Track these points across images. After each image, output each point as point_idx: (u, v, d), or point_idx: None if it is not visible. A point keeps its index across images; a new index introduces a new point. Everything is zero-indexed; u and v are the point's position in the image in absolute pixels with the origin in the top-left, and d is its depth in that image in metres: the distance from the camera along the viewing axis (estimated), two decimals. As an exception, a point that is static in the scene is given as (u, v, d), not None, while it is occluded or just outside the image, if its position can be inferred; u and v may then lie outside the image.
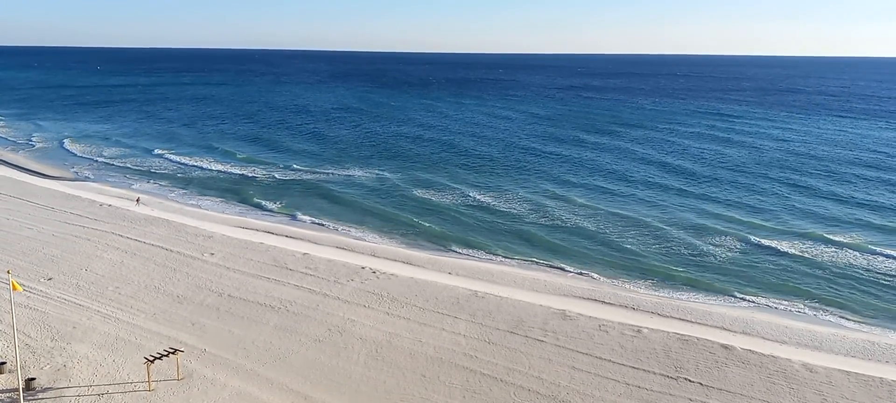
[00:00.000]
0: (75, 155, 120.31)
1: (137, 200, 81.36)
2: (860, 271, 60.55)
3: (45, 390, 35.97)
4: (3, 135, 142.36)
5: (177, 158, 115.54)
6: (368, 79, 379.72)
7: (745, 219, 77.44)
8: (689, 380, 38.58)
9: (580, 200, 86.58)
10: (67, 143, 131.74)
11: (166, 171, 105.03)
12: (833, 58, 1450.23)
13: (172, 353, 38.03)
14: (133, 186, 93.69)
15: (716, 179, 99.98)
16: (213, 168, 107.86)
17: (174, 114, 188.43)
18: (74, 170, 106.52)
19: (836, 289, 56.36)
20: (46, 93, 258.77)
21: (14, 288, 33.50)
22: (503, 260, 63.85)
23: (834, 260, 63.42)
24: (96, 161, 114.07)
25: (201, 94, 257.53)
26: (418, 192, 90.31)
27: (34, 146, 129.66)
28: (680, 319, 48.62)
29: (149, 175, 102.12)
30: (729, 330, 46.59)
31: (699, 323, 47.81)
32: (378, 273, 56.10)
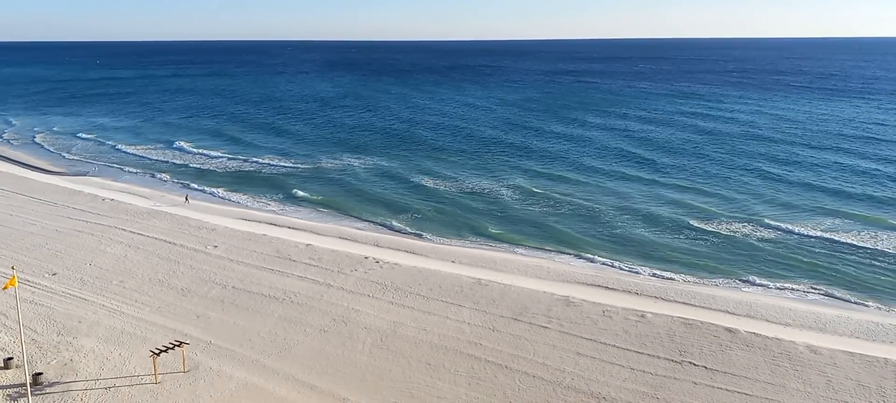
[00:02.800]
0: (49, 151, 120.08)
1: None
2: (863, 252, 60.62)
3: (52, 384, 36.12)
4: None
5: (166, 153, 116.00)
6: (358, 69, 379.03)
7: (744, 202, 77.55)
8: (694, 364, 38.69)
9: (573, 186, 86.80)
10: (38, 139, 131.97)
11: (159, 165, 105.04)
12: (831, 39, 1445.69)
13: (178, 346, 38.19)
14: (116, 178, 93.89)
15: (710, 161, 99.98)
16: (202, 163, 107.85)
17: (165, 106, 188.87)
18: (76, 165, 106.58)
19: (839, 271, 56.43)
20: (32, 86, 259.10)
21: (12, 284, 33.26)
22: (506, 247, 63.93)
23: (837, 241, 63.46)
24: (63, 157, 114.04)
25: (190, 87, 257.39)
26: (412, 182, 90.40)
27: (10, 143, 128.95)
28: (683, 303, 48.70)
29: (130, 168, 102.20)
30: (733, 314, 46.67)
31: (703, 307, 47.90)
32: (381, 262, 56.19)
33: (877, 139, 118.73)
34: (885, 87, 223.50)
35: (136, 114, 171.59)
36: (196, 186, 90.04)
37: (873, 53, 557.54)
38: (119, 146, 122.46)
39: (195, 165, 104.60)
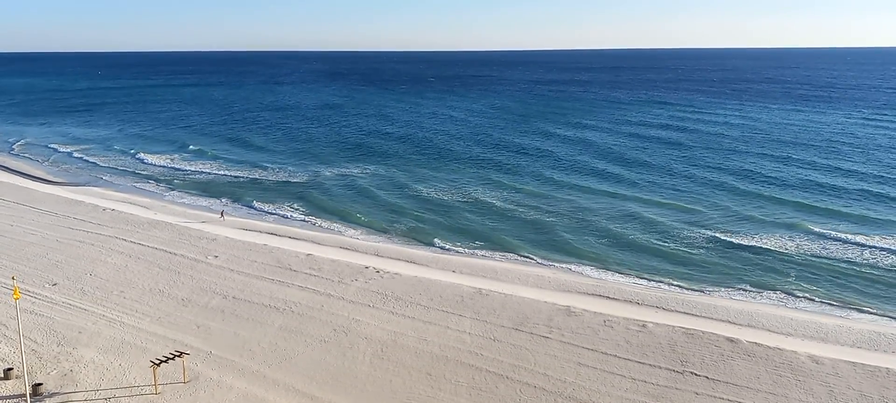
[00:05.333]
0: (30, 159, 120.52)
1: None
2: (865, 262, 60.56)
3: (52, 395, 35.99)
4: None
5: (162, 162, 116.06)
6: (354, 80, 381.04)
7: (742, 212, 77.48)
8: (696, 374, 38.57)
9: (571, 196, 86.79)
10: (16, 148, 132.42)
11: (155, 174, 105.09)
12: (830, 49, 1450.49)
13: (178, 356, 38.06)
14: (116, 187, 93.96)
15: (707, 171, 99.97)
16: (199, 173, 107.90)
17: (164, 116, 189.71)
18: (76, 175, 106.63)
19: (841, 281, 56.35)
20: (28, 95, 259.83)
21: (15, 296, 33.34)
22: (506, 257, 63.88)
23: (837, 251, 63.38)
24: (48, 165, 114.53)
25: (190, 97, 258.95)
26: (410, 191, 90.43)
27: None
28: (685, 313, 48.60)
29: (126, 178, 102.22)
30: (734, 324, 46.57)
31: (704, 317, 47.80)
32: (382, 272, 56.11)
33: (869, 148, 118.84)
34: (868, 96, 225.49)
35: (134, 123, 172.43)
36: (194, 195, 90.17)
37: (869, 63, 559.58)
38: (114, 155, 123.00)
39: (192, 175, 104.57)
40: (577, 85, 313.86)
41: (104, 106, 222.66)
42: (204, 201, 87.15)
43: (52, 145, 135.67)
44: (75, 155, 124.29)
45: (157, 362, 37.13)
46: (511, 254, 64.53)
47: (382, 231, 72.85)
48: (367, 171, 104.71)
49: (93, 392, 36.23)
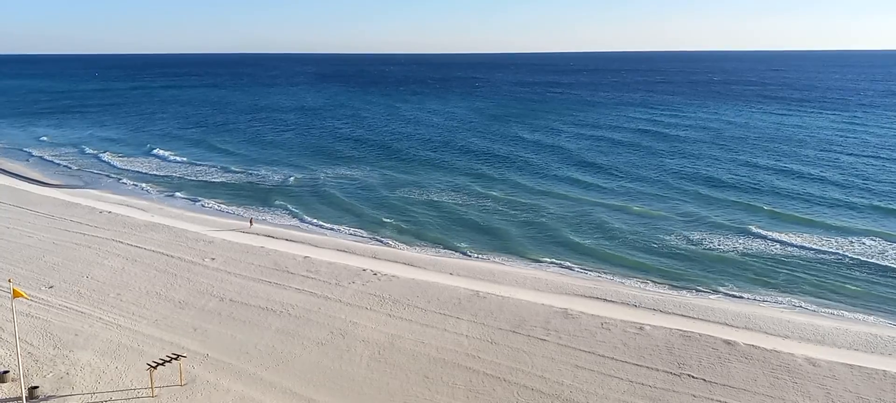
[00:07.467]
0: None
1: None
2: (862, 263, 60.67)
3: (48, 398, 35.89)
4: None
5: (155, 163, 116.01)
6: (350, 81, 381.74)
7: (740, 214, 77.60)
8: (693, 377, 38.59)
9: (567, 198, 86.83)
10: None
11: (149, 177, 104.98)
12: (822, 52, 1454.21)
13: (175, 359, 37.98)
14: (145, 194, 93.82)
15: (710, 173, 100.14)
16: (195, 174, 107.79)
17: (156, 116, 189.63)
18: (72, 177, 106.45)
19: (838, 283, 56.44)
20: (27, 96, 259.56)
21: (20, 296, 33.27)
22: (504, 259, 63.88)
23: (835, 253, 63.49)
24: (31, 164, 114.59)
25: (185, 98, 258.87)
26: (408, 194, 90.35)
27: None
28: (682, 315, 48.61)
29: (122, 180, 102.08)
30: (731, 326, 46.59)
31: (701, 319, 47.83)
32: (379, 275, 56.07)
33: (866, 150, 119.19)
34: (851, 98, 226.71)
35: (126, 125, 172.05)
36: (187, 196, 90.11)
37: (857, 66, 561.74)
38: (107, 157, 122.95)
39: (188, 177, 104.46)
40: (561, 87, 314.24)
41: (121, 106, 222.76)
42: (202, 203, 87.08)
43: (26, 148, 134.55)
44: (47, 158, 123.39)
45: (154, 365, 37.03)
46: (508, 257, 64.53)
47: (379, 233, 72.76)
48: (364, 173, 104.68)
49: (89, 395, 36.12)
